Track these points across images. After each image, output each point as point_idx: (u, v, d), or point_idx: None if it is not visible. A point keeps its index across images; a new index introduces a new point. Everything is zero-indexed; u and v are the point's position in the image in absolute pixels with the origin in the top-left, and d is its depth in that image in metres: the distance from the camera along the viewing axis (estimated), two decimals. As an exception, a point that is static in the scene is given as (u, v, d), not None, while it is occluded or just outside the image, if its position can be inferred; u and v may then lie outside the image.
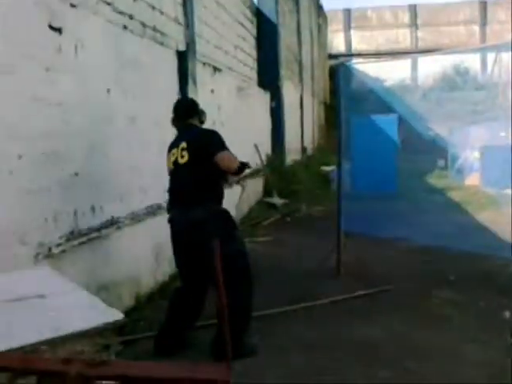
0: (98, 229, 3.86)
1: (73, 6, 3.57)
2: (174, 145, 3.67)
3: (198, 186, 3.49)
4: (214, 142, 3.56)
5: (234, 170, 3.54)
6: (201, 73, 6.20)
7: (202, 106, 5.98)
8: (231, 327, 2.95)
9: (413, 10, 28.01)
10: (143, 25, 4.73)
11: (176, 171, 3.59)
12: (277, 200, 9.57)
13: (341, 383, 3.15)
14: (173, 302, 3.75)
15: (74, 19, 3.57)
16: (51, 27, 3.29)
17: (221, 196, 3.63)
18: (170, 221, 3.61)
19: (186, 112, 3.83)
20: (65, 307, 1.93)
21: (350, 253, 5.48)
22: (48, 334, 1.67)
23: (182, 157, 3.53)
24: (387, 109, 10.90)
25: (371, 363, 3.40)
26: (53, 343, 1.66)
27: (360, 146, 9.75)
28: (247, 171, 3.94)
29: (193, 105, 3.96)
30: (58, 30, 3.36)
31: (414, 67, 24.51)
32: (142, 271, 3.67)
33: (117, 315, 1.82)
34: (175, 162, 3.57)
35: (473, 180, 10.93)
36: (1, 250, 2.82)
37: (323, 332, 3.96)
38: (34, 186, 3.12)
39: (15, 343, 1.57)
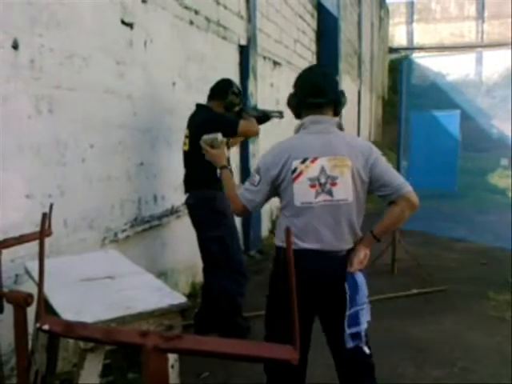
0: (159, 217, 4.02)
1: (144, 1, 3.69)
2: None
3: (195, 173, 3.60)
4: (219, 128, 3.42)
5: (256, 132, 3.69)
6: (261, 67, 6.27)
7: (261, 99, 6.11)
8: (214, 308, 3.62)
9: (480, 1, 26.88)
10: (207, 20, 4.83)
11: (183, 158, 3.70)
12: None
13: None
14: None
15: (144, 14, 3.70)
16: (123, 22, 3.44)
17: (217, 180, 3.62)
18: None
19: (210, 92, 3.71)
20: (132, 288, 2.03)
21: (405, 251, 5.42)
22: (118, 313, 1.77)
23: (185, 144, 3.65)
24: (449, 104, 10.60)
25: (424, 362, 3.38)
26: (122, 321, 1.76)
27: (419, 143, 9.53)
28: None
29: (219, 86, 3.68)
30: (130, 25, 3.51)
31: (479, 62, 23.56)
32: (198, 260, 3.80)
33: (181, 298, 1.91)
34: (183, 149, 3.69)
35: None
36: (71, 234, 2.99)
37: (375, 329, 3.94)
38: (104, 174, 3.28)
39: (89, 319, 1.68)
